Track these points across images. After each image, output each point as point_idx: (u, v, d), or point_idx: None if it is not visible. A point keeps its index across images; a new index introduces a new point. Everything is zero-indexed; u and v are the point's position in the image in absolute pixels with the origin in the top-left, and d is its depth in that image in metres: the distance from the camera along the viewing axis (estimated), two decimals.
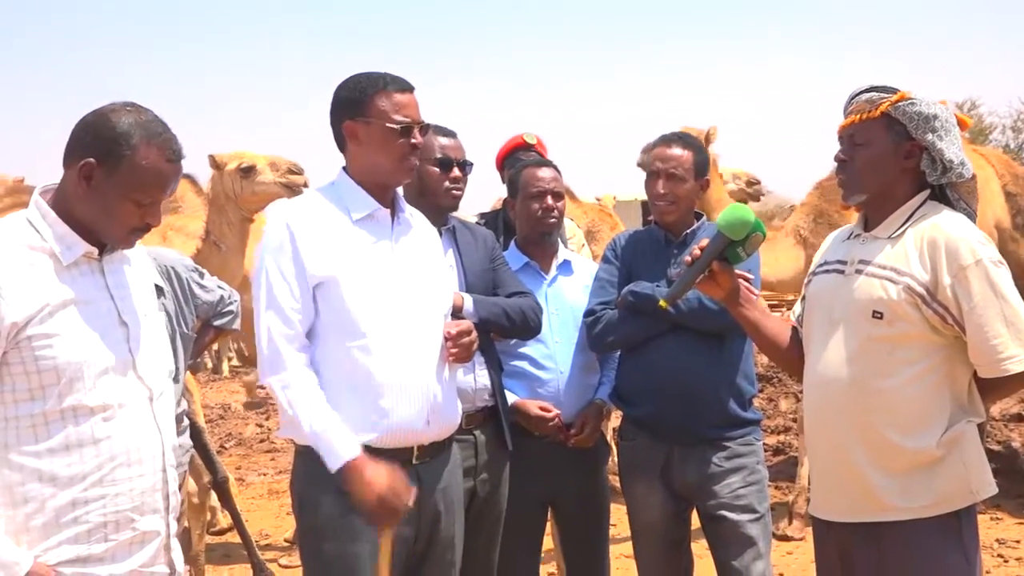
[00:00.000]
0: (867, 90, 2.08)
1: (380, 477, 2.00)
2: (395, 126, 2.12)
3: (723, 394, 2.64)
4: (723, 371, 2.66)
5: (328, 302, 2.11)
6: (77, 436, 1.71)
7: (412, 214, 2.30)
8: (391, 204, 2.23)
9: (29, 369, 1.67)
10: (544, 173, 2.88)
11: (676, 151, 2.75)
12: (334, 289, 2.10)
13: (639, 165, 5.30)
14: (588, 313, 2.78)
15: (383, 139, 2.14)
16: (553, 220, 2.90)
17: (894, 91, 2.05)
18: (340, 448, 2.02)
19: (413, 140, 2.15)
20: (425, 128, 2.22)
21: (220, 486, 4.21)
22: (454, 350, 2.21)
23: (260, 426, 7.52)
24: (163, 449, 1.82)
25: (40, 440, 1.69)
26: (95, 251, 1.75)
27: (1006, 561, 4.31)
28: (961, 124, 2.08)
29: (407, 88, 2.18)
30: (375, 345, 2.11)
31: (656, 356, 2.67)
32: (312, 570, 2.17)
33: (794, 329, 2.26)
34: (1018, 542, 4.47)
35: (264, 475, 6.46)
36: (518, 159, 3.39)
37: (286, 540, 4.82)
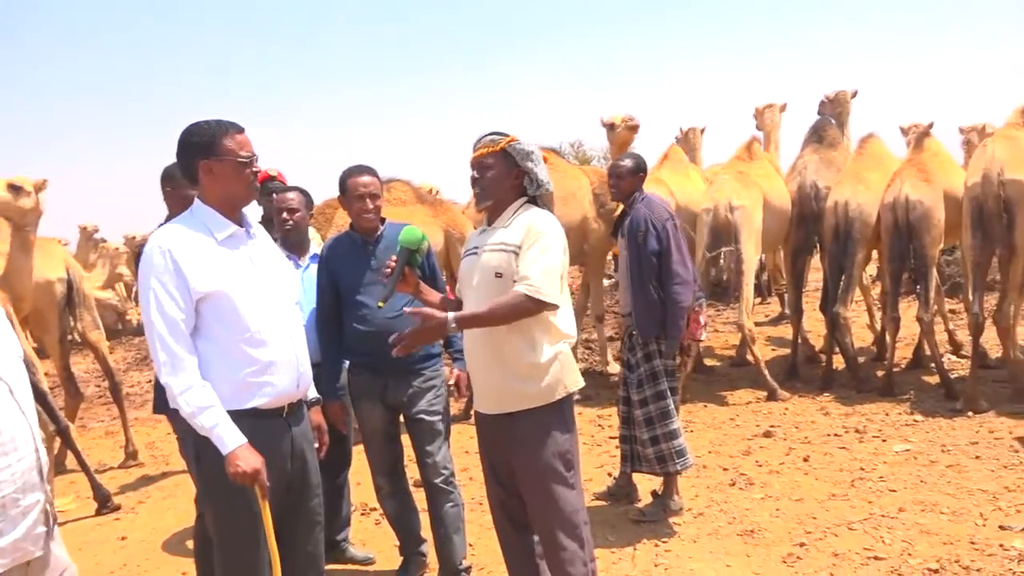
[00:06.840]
0: (490, 134, 2.76)
1: (255, 458, 2.35)
2: (244, 160, 2.45)
3: None
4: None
5: (216, 309, 2.40)
6: None
7: (256, 227, 2.62)
8: (240, 222, 2.54)
9: None
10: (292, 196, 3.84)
11: (370, 177, 3.45)
12: (223, 299, 2.40)
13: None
14: (317, 321, 3.55)
15: (235, 171, 2.45)
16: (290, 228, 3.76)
17: (507, 135, 2.75)
18: (228, 440, 2.35)
19: (255, 168, 2.50)
20: (256, 157, 2.52)
21: (63, 433, 4.95)
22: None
23: (99, 386, 9.44)
24: (32, 433, 1.83)
25: None
26: None
27: (602, 428, 6.19)
28: (544, 158, 2.83)
29: (243, 129, 2.49)
30: (260, 336, 2.45)
31: (370, 323, 3.41)
32: (214, 493, 2.49)
33: (459, 300, 2.90)
34: (609, 415, 6.25)
35: (102, 422, 8.05)
36: (266, 188, 3.90)
37: (120, 466, 6.25)
